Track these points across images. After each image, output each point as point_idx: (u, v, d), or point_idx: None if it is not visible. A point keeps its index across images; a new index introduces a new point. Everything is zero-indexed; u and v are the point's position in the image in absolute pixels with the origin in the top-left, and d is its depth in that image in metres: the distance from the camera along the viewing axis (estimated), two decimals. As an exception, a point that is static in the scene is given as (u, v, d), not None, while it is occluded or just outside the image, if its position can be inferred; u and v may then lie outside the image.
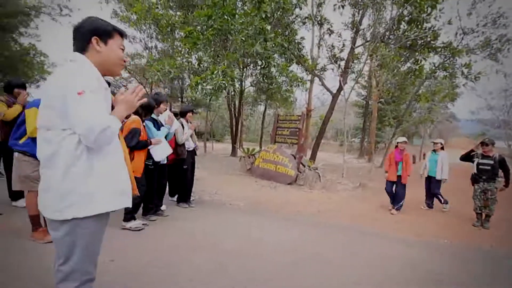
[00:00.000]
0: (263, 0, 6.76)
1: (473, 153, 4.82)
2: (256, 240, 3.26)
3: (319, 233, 3.75)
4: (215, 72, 6.25)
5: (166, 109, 3.79)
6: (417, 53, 8.77)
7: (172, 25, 11.26)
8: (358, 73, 9.68)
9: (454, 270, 2.85)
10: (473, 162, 4.75)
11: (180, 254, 2.71)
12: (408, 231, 4.14)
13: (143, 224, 3.30)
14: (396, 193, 5.19)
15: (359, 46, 10.19)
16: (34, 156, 2.53)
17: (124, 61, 1.42)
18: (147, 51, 14.98)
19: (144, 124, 3.34)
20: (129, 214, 3.20)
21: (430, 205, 5.62)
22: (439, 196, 5.53)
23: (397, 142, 5.40)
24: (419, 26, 7.91)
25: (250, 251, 2.92)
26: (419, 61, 9.04)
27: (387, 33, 8.60)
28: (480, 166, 4.58)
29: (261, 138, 18.25)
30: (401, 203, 5.13)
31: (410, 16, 7.60)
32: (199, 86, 6.51)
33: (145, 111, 3.32)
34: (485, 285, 2.61)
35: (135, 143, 3.04)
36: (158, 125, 3.63)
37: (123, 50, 1.40)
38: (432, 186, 5.55)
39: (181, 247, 2.87)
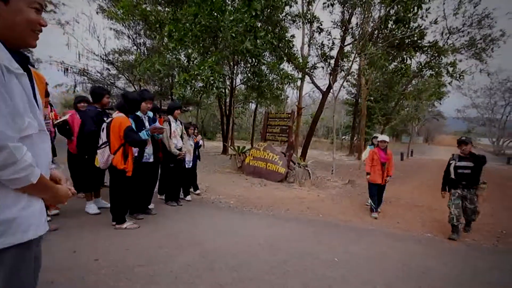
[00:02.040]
0: (253, -4, 6.73)
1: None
2: (245, 238, 3.25)
3: (308, 230, 3.78)
4: (202, 67, 6.18)
5: (149, 108, 3.62)
6: (404, 52, 8.93)
7: (161, 22, 11.09)
8: (347, 72, 9.76)
9: (442, 264, 2.93)
10: (449, 166, 4.00)
11: (167, 252, 2.67)
12: (395, 226, 4.23)
13: (133, 222, 3.27)
14: (379, 196, 4.77)
15: (348, 44, 10.28)
16: None
17: (41, 25, 0.98)
18: (135, 47, 14.70)
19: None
20: (120, 216, 3.16)
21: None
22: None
23: (377, 141, 4.87)
24: (406, 26, 8.06)
25: (239, 249, 2.91)
26: (406, 60, 9.20)
27: (375, 32, 8.72)
28: (459, 170, 3.86)
29: (253, 136, 18.22)
30: (381, 205, 4.90)
31: (397, 16, 7.73)
32: (188, 84, 6.43)
33: (131, 107, 3.23)
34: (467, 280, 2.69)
35: (140, 139, 3.15)
36: (140, 124, 3.50)
37: (38, 10, 0.96)
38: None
39: (168, 245, 2.83)
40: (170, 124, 4.21)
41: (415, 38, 8.56)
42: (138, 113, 3.53)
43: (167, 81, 18.77)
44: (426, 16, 8.33)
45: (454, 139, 5.79)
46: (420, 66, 9.71)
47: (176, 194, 4.49)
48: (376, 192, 4.71)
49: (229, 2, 7.77)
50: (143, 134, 3.28)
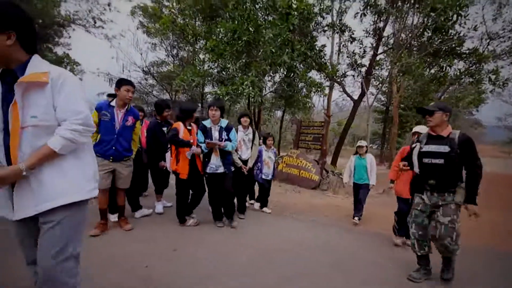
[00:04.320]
0: (290, 12, 7.06)
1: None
2: (293, 240, 3.46)
3: (350, 236, 3.88)
4: (245, 83, 6.57)
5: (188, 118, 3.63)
6: (441, 60, 8.73)
7: (197, 35, 11.85)
8: (381, 80, 9.71)
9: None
10: (411, 151, 2.57)
11: (231, 248, 2.97)
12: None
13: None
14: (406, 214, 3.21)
15: (381, 53, 10.24)
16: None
17: None
18: (171, 58, 15.69)
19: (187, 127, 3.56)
20: (179, 216, 3.61)
21: (359, 218, 4.47)
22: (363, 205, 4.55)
23: (414, 131, 3.38)
24: (444, 33, 7.91)
25: (291, 249, 3.15)
26: (444, 68, 8.97)
27: (411, 40, 8.64)
28: (425, 159, 2.42)
29: (279, 143, 18.42)
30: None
31: (435, 24, 7.63)
32: (227, 96, 6.86)
33: (184, 115, 3.54)
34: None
35: (169, 138, 3.43)
36: (208, 134, 3.48)
37: None
38: (362, 194, 4.46)
39: (231, 243, 3.14)
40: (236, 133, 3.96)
41: (454, 45, 8.35)
42: (206, 123, 3.52)
43: (198, 90, 19.73)
44: (465, 23, 8.12)
45: (494, 149, 5.29)
46: (459, 73, 9.40)
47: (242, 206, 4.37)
48: (407, 209, 3.15)
49: (261, 14, 8.18)
50: (204, 147, 3.42)
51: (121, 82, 3.11)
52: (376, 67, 10.74)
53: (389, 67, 9.57)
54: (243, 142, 4.12)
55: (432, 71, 9.57)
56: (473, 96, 11.33)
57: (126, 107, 3.16)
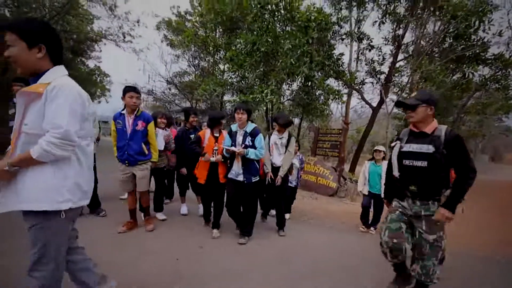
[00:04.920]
0: (309, 25, 7.29)
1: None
2: (311, 244, 3.59)
3: (369, 243, 3.89)
4: (265, 91, 6.84)
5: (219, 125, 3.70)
6: (465, 66, 8.52)
7: (217, 46, 12.41)
8: (401, 87, 9.60)
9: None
10: (391, 153, 2.20)
11: (260, 247, 3.17)
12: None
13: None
14: None
15: (400, 60, 10.17)
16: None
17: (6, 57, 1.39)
18: (192, 68, 16.43)
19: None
20: (204, 217, 3.86)
21: (374, 227, 4.37)
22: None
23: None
24: (466, 39, 7.75)
25: (313, 250, 3.29)
26: (467, 75, 8.72)
27: (432, 47, 8.53)
28: (406, 161, 2.06)
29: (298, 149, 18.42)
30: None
31: (456, 32, 7.51)
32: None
33: (211, 123, 3.64)
34: None
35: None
36: (233, 138, 3.37)
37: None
38: (377, 205, 4.32)
39: (260, 244, 3.34)
40: (269, 137, 3.80)
41: (477, 51, 8.14)
42: (233, 127, 3.39)
43: (217, 98, 20.37)
44: (489, 29, 7.91)
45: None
46: (484, 80, 9.09)
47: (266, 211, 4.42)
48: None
49: (284, 28, 8.47)
50: (225, 152, 3.36)
51: (125, 90, 3.22)
52: (396, 74, 10.61)
53: (409, 74, 9.46)
54: (275, 146, 3.74)
55: (455, 77, 9.33)
56: (501, 102, 10.84)
57: (135, 112, 3.27)
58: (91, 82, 19.35)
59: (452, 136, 1.90)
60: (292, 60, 6.82)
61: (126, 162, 3.27)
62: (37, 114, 1.38)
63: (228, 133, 3.45)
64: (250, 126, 3.33)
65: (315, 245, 3.56)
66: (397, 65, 10.19)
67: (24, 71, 1.43)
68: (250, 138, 3.26)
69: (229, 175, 3.37)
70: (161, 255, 2.83)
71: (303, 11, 8.15)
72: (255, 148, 3.25)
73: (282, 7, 8.14)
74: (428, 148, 1.93)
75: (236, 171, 3.31)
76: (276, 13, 8.09)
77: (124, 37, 14.06)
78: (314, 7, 8.35)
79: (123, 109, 3.31)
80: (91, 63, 20.08)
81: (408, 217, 2.10)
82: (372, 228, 4.43)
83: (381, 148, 4.46)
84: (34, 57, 1.41)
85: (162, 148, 3.95)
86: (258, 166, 3.37)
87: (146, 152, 3.36)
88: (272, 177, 3.66)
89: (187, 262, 2.71)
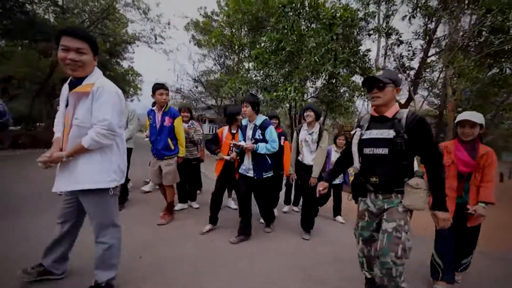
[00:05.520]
0: (334, 22, 7.30)
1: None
2: (342, 242, 3.46)
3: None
4: (289, 89, 7.02)
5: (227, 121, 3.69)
6: (502, 60, 7.98)
7: (243, 45, 12.73)
8: (432, 83, 9.22)
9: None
10: (351, 140, 1.98)
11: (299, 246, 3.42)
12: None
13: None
14: (457, 250, 2.40)
15: (432, 55, 9.74)
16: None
17: (65, 60, 1.63)
18: (218, 66, 16.95)
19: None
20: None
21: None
22: None
23: (460, 120, 2.29)
24: (505, 33, 7.26)
25: (339, 250, 3.43)
26: (505, 70, 8.14)
27: (466, 41, 8.08)
28: (366, 149, 1.83)
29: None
30: (466, 263, 2.52)
31: (492, 25, 7.06)
32: (271, 102, 7.38)
33: (228, 119, 3.64)
34: None
35: (207, 147, 3.58)
36: (243, 132, 3.29)
37: (64, 49, 1.62)
38: None
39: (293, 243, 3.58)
40: (298, 133, 3.52)
41: (518, 45, 7.58)
42: (243, 121, 3.28)
43: (241, 95, 20.79)
44: (531, 21, 7.33)
45: None
46: (525, 74, 8.43)
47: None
48: (448, 239, 2.33)
49: (309, 25, 8.53)
50: (236, 148, 3.26)
51: (155, 87, 3.33)
52: (427, 70, 10.18)
53: (442, 69, 9.04)
54: (305, 143, 3.40)
55: (491, 73, 8.74)
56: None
57: (163, 108, 3.39)
58: (125, 81, 20.70)
59: (414, 119, 1.68)
60: (316, 58, 6.89)
61: (156, 156, 3.46)
62: (86, 110, 1.68)
63: (239, 128, 3.33)
64: (259, 119, 3.11)
65: (349, 244, 3.25)
66: (428, 60, 9.77)
67: (83, 74, 1.72)
68: (259, 132, 3.06)
69: (240, 170, 3.24)
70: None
71: (328, 8, 8.13)
72: (266, 141, 3.05)
73: (307, 4, 8.20)
74: (389, 133, 1.72)
75: (247, 166, 3.17)
76: (301, 11, 8.16)
77: (156, 39, 14.94)
78: (340, 3, 8.31)
79: (153, 106, 3.48)
80: (125, 64, 21.49)
81: (377, 221, 1.86)
82: None
83: (473, 116, 3.68)
84: (94, 64, 1.77)
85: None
86: (270, 161, 3.16)
87: (173, 147, 3.44)
88: (295, 177, 3.46)
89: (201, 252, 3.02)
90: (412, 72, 10.36)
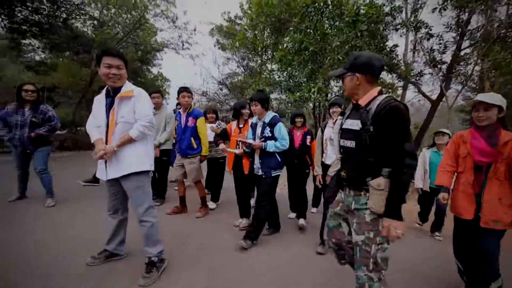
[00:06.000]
0: (358, 19, 7.25)
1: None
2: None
3: (424, 242, 3.68)
4: (313, 90, 7.10)
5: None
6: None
7: (266, 47, 12.96)
8: (466, 77, 8.74)
9: None
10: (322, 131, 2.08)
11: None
12: None
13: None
14: (478, 255, 1.94)
15: (466, 48, 9.22)
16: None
17: (108, 75, 2.01)
18: (241, 69, 17.36)
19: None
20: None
21: (439, 234, 3.68)
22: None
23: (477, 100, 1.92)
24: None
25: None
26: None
27: (503, 32, 7.56)
28: (341, 140, 1.66)
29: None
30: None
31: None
32: (295, 103, 7.52)
33: (234, 113, 3.67)
34: None
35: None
36: (253, 130, 3.21)
37: (107, 66, 2.00)
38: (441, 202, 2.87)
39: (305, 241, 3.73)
40: (323, 131, 3.24)
41: None
42: (254, 119, 3.21)
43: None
44: None
45: None
46: None
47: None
48: (463, 243, 2.12)
49: (332, 24, 8.52)
50: (245, 147, 3.21)
51: (179, 91, 3.58)
52: (461, 63, 9.64)
53: (477, 62, 8.55)
54: (330, 141, 3.02)
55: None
56: None
57: (187, 110, 3.61)
58: (155, 87, 21.89)
59: (384, 108, 1.39)
60: (339, 56, 6.90)
61: (180, 154, 3.70)
62: (129, 109, 2.08)
63: (250, 125, 3.27)
64: (268, 116, 3.00)
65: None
66: (462, 53, 9.28)
67: (121, 84, 2.12)
68: (268, 129, 2.95)
69: (254, 170, 3.12)
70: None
71: (351, 5, 8.06)
72: (275, 139, 2.95)
73: (330, 3, 8.20)
74: (358, 124, 1.50)
75: (257, 165, 3.06)
76: (324, 10, 8.18)
77: (183, 45, 15.68)
78: (363, 0, 8.19)
79: (179, 108, 3.73)
80: (154, 70, 22.73)
81: (344, 217, 1.69)
82: (437, 233, 3.75)
83: (446, 130, 3.54)
84: (126, 76, 2.18)
85: (211, 139, 3.93)
86: (280, 159, 3.00)
87: (196, 146, 3.64)
88: (321, 180, 3.18)
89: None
90: (444, 67, 9.88)
